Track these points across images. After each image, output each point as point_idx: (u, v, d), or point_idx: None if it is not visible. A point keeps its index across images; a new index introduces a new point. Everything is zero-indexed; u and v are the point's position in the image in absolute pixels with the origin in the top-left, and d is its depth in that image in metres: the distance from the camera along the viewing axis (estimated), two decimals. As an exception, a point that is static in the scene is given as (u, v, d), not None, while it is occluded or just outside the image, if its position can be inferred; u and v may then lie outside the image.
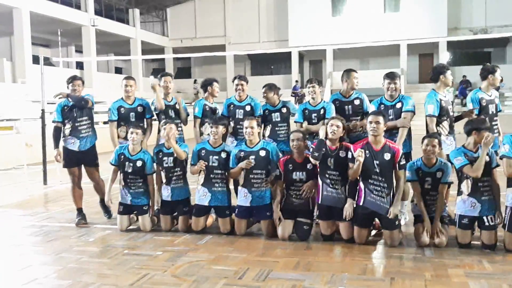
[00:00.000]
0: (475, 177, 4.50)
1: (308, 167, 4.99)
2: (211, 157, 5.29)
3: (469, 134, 4.63)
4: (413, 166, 4.81)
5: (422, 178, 4.75)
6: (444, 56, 25.56)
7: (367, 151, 4.67)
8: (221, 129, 5.32)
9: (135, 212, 5.57)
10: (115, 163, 5.56)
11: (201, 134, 5.84)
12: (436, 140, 4.68)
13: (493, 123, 5.27)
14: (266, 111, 5.78)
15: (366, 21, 25.08)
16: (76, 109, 5.93)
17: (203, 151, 5.34)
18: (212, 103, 5.96)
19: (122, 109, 5.92)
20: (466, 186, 4.61)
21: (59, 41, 19.15)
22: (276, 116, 5.73)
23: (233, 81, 5.90)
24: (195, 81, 26.65)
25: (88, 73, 21.93)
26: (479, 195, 4.57)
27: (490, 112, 5.33)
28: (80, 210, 6.02)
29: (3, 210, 6.98)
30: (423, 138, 4.77)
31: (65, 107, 5.97)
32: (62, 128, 5.98)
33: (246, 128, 5.18)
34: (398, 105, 5.27)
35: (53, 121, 6.05)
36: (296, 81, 25.93)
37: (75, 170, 6.00)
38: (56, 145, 5.97)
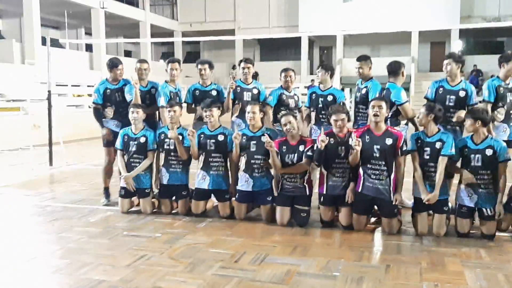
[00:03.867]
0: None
1: (300, 149, 4.98)
2: (208, 141, 5.30)
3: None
4: (413, 136, 4.77)
5: (421, 148, 4.67)
6: (456, 45, 25.22)
7: (367, 137, 4.66)
8: (216, 111, 5.30)
9: (136, 195, 5.60)
10: (120, 147, 5.58)
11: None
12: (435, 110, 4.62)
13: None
14: (283, 95, 5.75)
15: (378, 7, 24.74)
16: (119, 94, 5.92)
17: (202, 135, 5.35)
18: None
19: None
20: (464, 175, 4.58)
21: (65, 23, 19.14)
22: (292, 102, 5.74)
23: (239, 64, 5.92)
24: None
25: (97, 56, 21.95)
26: (476, 186, 4.53)
27: (508, 101, 5.11)
28: (106, 189, 6.08)
29: (9, 189, 7.07)
30: (423, 107, 4.73)
31: (107, 90, 5.93)
32: (101, 109, 5.96)
33: (248, 112, 5.19)
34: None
35: (93, 102, 6.03)
36: (312, 80, 25.66)
37: (113, 150, 5.94)
38: (102, 125, 5.92)
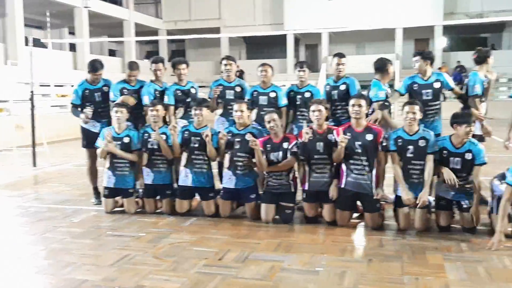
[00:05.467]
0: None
1: (284, 146, 5.00)
2: (192, 138, 5.30)
3: (452, 126, 4.63)
4: (393, 135, 4.79)
5: (403, 147, 4.70)
6: (440, 41, 25.47)
7: (348, 134, 4.71)
8: (205, 111, 5.31)
9: (120, 195, 5.57)
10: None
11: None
12: (417, 107, 4.66)
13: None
14: (255, 92, 5.75)
15: (362, 5, 24.85)
16: (98, 94, 5.88)
17: (187, 132, 5.35)
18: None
19: (125, 90, 5.82)
20: (441, 173, 4.64)
21: (47, 22, 18.90)
22: (263, 100, 5.71)
23: (221, 62, 5.89)
24: (242, 72, 25.64)
25: (80, 56, 21.71)
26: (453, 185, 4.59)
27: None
28: (95, 189, 6.05)
29: (-9, 191, 7.00)
30: (404, 105, 4.76)
31: (86, 90, 5.89)
32: (80, 110, 5.87)
33: (236, 111, 5.19)
34: None
35: (71, 103, 5.99)
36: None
37: (94, 151, 5.87)
38: (81, 112, 5.80)
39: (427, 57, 5.24)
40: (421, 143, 4.65)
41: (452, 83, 5.41)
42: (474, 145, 4.58)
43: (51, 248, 4.38)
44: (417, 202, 4.58)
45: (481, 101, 5.29)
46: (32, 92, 9.22)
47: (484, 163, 4.57)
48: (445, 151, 4.62)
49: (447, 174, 4.53)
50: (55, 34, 24.40)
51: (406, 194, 4.61)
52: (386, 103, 5.24)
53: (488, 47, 5.57)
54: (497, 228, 4.20)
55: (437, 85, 5.22)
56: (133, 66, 5.94)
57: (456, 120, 4.56)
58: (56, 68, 18.28)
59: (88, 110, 5.72)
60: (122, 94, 5.78)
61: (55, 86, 17.49)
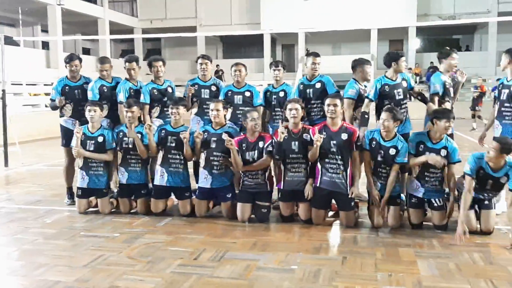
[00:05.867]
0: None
1: (260, 145, 5.02)
2: (169, 137, 5.26)
3: (432, 122, 4.70)
4: (368, 135, 4.87)
5: (375, 150, 4.78)
6: (414, 42, 25.91)
7: (324, 133, 4.75)
8: (182, 109, 5.28)
9: (94, 195, 5.50)
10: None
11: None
12: (392, 115, 4.70)
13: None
14: (229, 92, 5.75)
15: (338, 6, 25.09)
16: (78, 91, 5.78)
17: (163, 131, 5.31)
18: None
19: (104, 87, 5.74)
20: (414, 169, 4.73)
21: (20, 20, 18.52)
22: (238, 99, 5.70)
23: (196, 61, 5.86)
24: (217, 66, 25.54)
25: (54, 54, 21.32)
26: (423, 182, 4.69)
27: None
28: (69, 189, 5.95)
29: (-40, 192, 6.82)
30: (382, 112, 4.80)
31: (66, 87, 5.77)
32: (60, 108, 5.77)
33: (212, 110, 5.17)
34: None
35: (51, 99, 5.89)
36: None
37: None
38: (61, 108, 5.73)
39: (385, 63, 5.44)
40: (391, 151, 4.72)
41: (412, 82, 5.58)
42: (450, 143, 4.68)
43: (23, 249, 4.30)
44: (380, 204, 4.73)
45: (446, 101, 5.37)
46: (3, 90, 9.01)
47: (458, 161, 4.68)
48: (421, 145, 4.70)
49: (433, 159, 4.57)
50: (27, 31, 23.92)
51: (374, 190, 4.75)
52: (366, 116, 5.30)
53: (448, 48, 5.64)
54: (459, 220, 4.31)
55: (404, 84, 5.38)
56: (103, 60, 5.89)
57: (436, 115, 4.66)
58: (29, 67, 17.92)
59: (67, 108, 5.63)
60: (101, 92, 5.71)
61: (27, 84, 17.14)
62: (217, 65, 23.84)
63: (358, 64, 5.62)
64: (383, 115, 4.71)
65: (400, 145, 4.72)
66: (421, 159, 4.63)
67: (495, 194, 4.67)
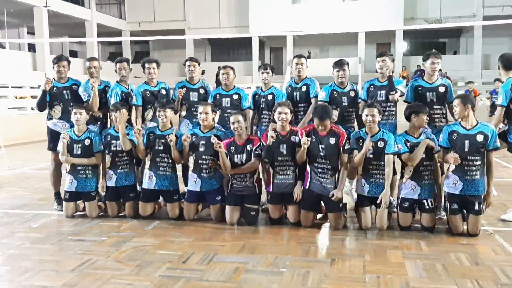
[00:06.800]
0: (411, 165, 4.68)
1: (248, 148, 5.02)
2: (157, 140, 5.24)
3: (409, 119, 4.78)
4: (355, 135, 4.94)
5: (362, 147, 4.79)
6: (401, 46, 26.13)
7: (312, 136, 4.77)
8: (169, 112, 5.27)
9: (81, 199, 5.46)
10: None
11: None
12: (376, 110, 4.76)
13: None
14: (218, 95, 5.74)
15: (325, 9, 25.24)
16: (67, 92, 5.70)
17: (152, 135, 5.29)
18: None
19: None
20: (408, 169, 4.76)
21: (5, 22, 18.34)
22: (226, 102, 5.70)
23: (184, 64, 5.84)
24: (203, 72, 25.32)
25: (40, 56, 21.15)
26: (419, 179, 4.73)
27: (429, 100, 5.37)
28: (57, 194, 5.86)
29: None
30: (364, 108, 4.87)
31: (54, 88, 5.66)
32: (48, 109, 5.69)
33: (201, 113, 5.15)
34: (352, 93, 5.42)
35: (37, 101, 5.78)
36: None
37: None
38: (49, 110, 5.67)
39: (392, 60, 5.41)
40: (380, 144, 4.77)
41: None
42: (429, 134, 4.80)
43: (9, 254, 4.25)
44: (378, 202, 4.69)
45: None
46: (-12, 93, 8.92)
47: (439, 151, 4.75)
48: (407, 143, 4.75)
49: (429, 141, 4.66)
50: (13, 33, 23.70)
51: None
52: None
53: (434, 50, 5.67)
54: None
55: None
56: (92, 58, 5.87)
57: (413, 110, 4.73)
58: (15, 69, 17.73)
59: (56, 110, 5.58)
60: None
61: (13, 87, 16.95)
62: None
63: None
64: (366, 111, 4.78)
65: (386, 136, 4.78)
66: (422, 145, 4.65)
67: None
